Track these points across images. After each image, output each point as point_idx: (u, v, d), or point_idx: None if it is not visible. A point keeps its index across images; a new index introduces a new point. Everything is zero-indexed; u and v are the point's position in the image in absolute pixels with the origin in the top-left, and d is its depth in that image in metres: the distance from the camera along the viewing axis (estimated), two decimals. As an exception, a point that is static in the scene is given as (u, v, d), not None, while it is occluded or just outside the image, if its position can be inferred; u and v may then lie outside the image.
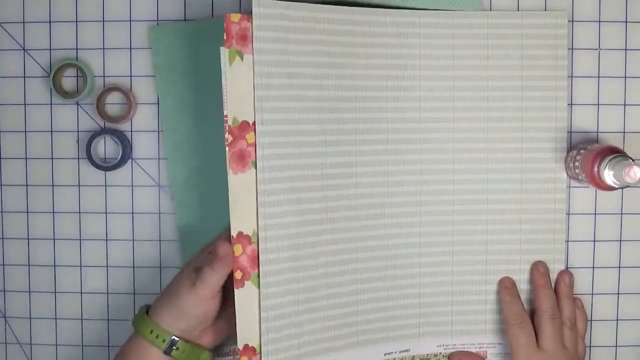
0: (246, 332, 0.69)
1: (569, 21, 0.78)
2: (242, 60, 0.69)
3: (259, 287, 0.69)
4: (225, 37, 0.68)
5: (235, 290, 0.69)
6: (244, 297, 0.69)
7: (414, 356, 0.78)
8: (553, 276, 0.78)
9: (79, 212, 0.81)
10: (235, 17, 0.68)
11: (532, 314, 0.76)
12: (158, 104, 0.79)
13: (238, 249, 0.69)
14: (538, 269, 0.77)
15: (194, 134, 0.79)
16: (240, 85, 0.69)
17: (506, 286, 0.77)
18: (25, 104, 0.81)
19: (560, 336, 0.74)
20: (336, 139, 0.74)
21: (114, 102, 0.80)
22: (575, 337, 0.75)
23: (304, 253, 0.72)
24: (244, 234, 0.69)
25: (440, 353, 0.78)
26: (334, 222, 0.74)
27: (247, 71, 0.69)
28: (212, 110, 0.78)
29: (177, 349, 0.71)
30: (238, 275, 0.69)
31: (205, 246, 0.76)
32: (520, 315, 0.75)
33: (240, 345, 0.69)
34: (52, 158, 0.81)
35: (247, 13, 0.69)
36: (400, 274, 0.77)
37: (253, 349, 0.69)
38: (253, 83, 0.69)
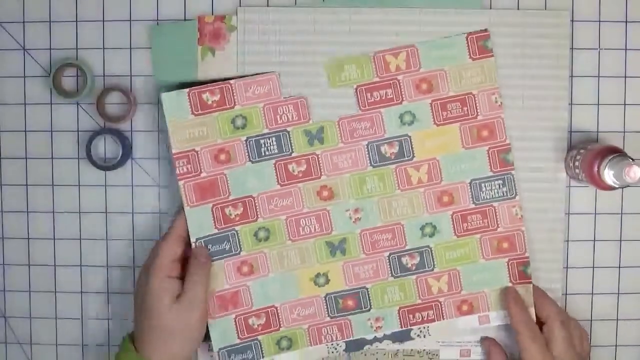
0: None
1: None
2: (214, 56, 0.77)
3: None
4: (198, 36, 0.77)
5: None
6: None
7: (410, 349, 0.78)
8: (556, 275, 0.78)
9: (79, 212, 0.81)
10: (209, 18, 0.77)
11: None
12: (158, 103, 0.79)
13: None
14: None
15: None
16: (209, 77, 0.77)
17: (513, 297, 0.75)
18: (25, 104, 0.80)
19: (571, 340, 0.73)
20: None
21: (114, 102, 0.80)
22: (582, 341, 0.75)
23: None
24: None
25: (424, 350, 0.79)
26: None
27: (217, 64, 0.77)
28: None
29: None
30: None
31: (154, 259, 0.72)
32: (531, 326, 0.73)
33: None
34: (52, 158, 0.81)
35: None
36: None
37: None
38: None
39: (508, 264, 0.77)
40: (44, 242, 0.81)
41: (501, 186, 0.76)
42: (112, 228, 0.81)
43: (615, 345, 0.80)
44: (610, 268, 0.80)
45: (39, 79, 0.80)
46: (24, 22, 0.80)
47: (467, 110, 0.75)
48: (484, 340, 0.78)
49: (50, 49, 0.80)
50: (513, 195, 0.76)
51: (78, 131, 0.80)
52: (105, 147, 0.80)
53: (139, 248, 0.81)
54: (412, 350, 0.79)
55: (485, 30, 0.75)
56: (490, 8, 0.78)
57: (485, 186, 0.76)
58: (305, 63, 0.76)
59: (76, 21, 0.80)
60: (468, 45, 0.75)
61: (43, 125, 0.81)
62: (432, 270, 0.77)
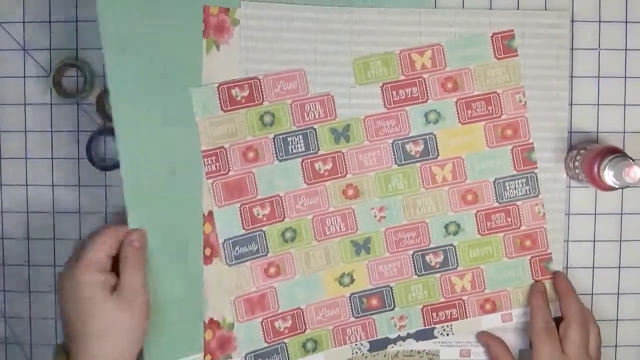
0: (212, 308, 0.74)
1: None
2: (219, 50, 0.74)
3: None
4: (203, 28, 0.73)
5: (204, 266, 0.74)
6: (212, 274, 0.74)
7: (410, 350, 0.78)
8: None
9: (79, 212, 0.81)
10: (214, 9, 0.74)
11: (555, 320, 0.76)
12: (105, 89, 0.76)
13: (208, 227, 0.74)
14: (562, 276, 0.77)
15: (151, 127, 0.72)
16: (213, 74, 0.74)
17: (539, 290, 0.77)
18: (25, 104, 0.80)
19: (586, 343, 0.73)
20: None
21: (114, 102, 0.80)
22: (598, 345, 0.75)
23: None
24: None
25: (424, 350, 0.79)
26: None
27: (222, 59, 0.74)
28: (175, 101, 0.73)
29: None
30: (207, 252, 0.74)
31: (81, 247, 0.66)
32: (548, 320, 0.74)
33: (206, 319, 0.74)
34: (52, 158, 0.81)
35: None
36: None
37: (217, 323, 0.75)
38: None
39: (530, 262, 0.78)
40: (44, 242, 0.81)
41: (524, 185, 0.77)
42: (112, 228, 0.81)
43: (615, 346, 0.80)
44: (610, 268, 0.80)
45: (39, 79, 0.80)
46: (24, 22, 0.80)
47: (492, 109, 0.76)
48: (481, 335, 0.78)
49: (50, 49, 0.80)
50: (536, 194, 0.77)
51: (78, 131, 0.80)
52: (105, 147, 0.80)
53: (139, 248, 0.81)
54: (412, 350, 0.79)
55: (511, 30, 0.76)
56: (491, 8, 0.78)
57: (509, 185, 0.77)
58: (306, 62, 0.76)
59: (76, 21, 0.80)
60: (493, 45, 0.76)
61: (43, 125, 0.80)
62: (456, 268, 0.78)
